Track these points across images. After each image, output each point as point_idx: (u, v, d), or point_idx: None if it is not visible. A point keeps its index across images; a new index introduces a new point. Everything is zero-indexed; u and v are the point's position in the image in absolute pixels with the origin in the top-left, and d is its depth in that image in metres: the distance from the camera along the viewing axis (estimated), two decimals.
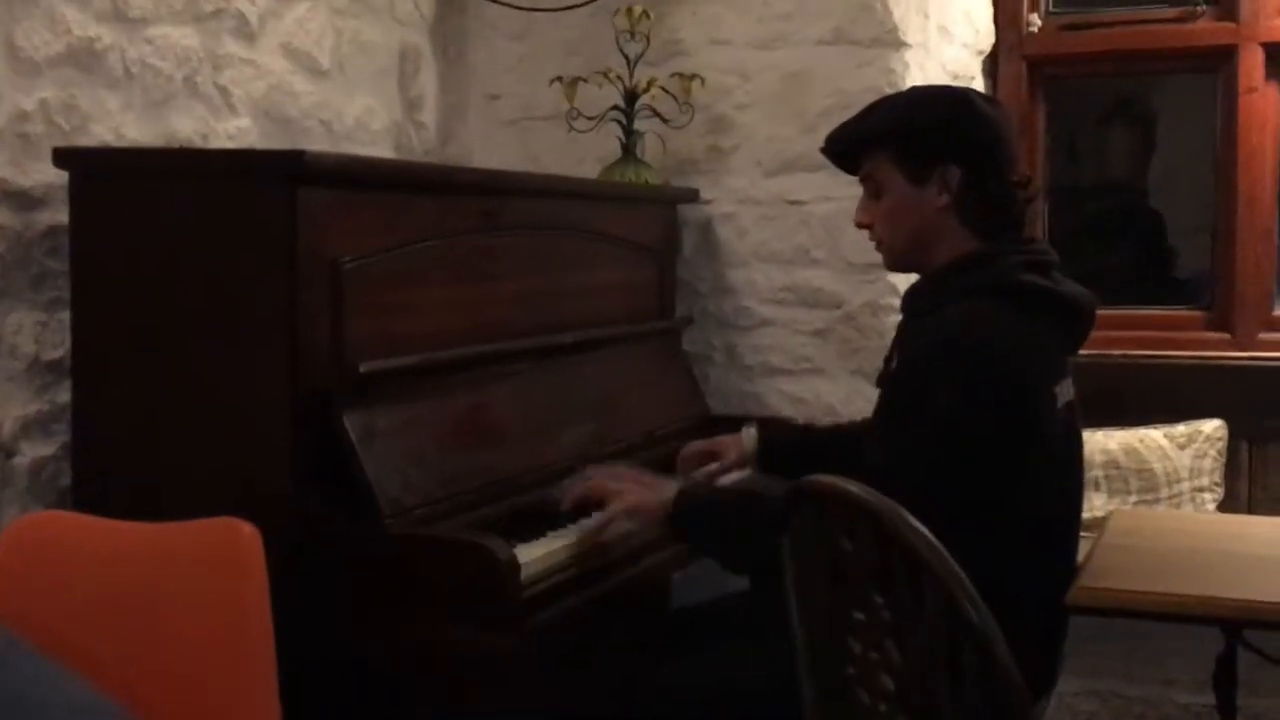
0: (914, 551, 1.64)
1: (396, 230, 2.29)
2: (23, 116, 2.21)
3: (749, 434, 2.65)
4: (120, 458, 2.20)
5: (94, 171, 2.22)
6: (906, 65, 3.23)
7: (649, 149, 3.34)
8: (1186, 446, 3.21)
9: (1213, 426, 3.23)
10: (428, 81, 3.40)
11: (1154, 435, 3.23)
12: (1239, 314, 3.37)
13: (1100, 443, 3.20)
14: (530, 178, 2.98)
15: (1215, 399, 3.28)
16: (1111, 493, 3.21)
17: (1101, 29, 3.55)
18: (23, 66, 2.22)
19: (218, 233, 2.13)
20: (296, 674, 1.85)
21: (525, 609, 2.08)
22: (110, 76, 2.39)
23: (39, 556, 1.92)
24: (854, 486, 1.72)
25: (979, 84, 3.57)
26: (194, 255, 2.14)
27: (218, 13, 2.65)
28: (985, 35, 3.57)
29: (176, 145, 2.52)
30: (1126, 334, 3.38)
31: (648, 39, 3.29)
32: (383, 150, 3.22)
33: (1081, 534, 2.26)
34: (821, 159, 3.20)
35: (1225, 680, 2.41)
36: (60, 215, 2.25)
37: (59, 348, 2.26)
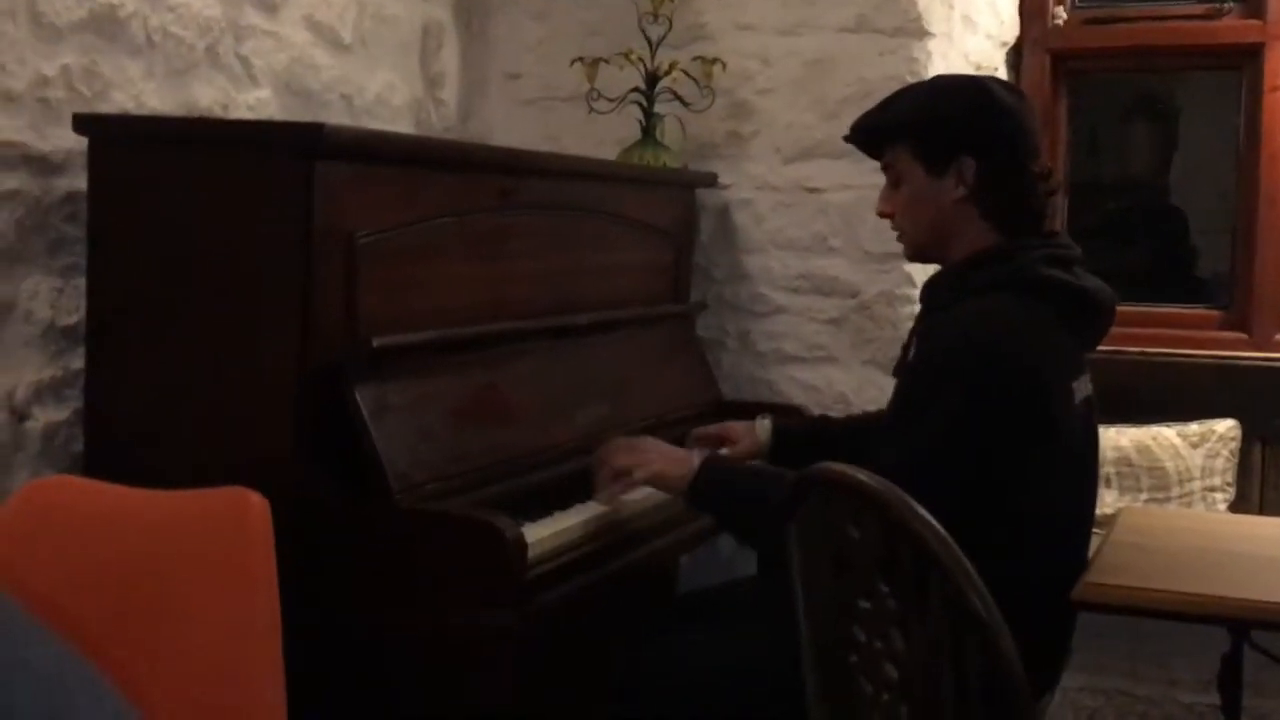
0: (921, 542, 1.64)
1: (413, 206, 2.29)
2: (43, 81, 2.21)
3: (763, 425, 2.64)
4: (132, 424, 2.21)
5: (113, 138, 2.22)
6: (929, 55, 3.21)
7: (669, 132, 3.34)
8: (1199, 445, 3.20)
9: (1226, 426, 3.21)
10: (449, 58, 3.40)
11: (1167, 433, 3.22)
12: (1257, 314, 3.35)
13: (1112, 439, 3.19)
14: (548, 157, 2.98)
15: (1230, 399, 3.26)
16: (1123, 490, 3.20)
17: (1126, 24, 3.53)
18: (45, 32, 2.21)
19: (234, 203, 2.13)
20: (300, 645, 1.85)
21: (531, 588, 2.08)
22: (132, 44, 2.38)
23: (48, 520, 1.92)
24: (862, 474, 1.71)
25: (1002, 76, 3.55)
26: (210, 225, 2.14)
27: None
28: (1009, 26, 3.55)
29: (197, 115, 2.52)
30: (1143, 331, 3.36)
31: (670, 21, 3.28)
32: (403, 126, 3.21)
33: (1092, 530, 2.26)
34: (841, 147, 3.19)
35: (1231, 680, 2.40)
36: (79, 181, 2.25)
37: (74, 314, 2.27)
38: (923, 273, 3.04)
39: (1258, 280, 3.35)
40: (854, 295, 3.30)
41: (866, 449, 2.18)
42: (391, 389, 2.18)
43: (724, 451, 2.62)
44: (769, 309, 3.38)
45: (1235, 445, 3.21)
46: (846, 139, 2.32)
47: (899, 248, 2.33)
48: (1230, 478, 3.20)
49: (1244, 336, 3.35)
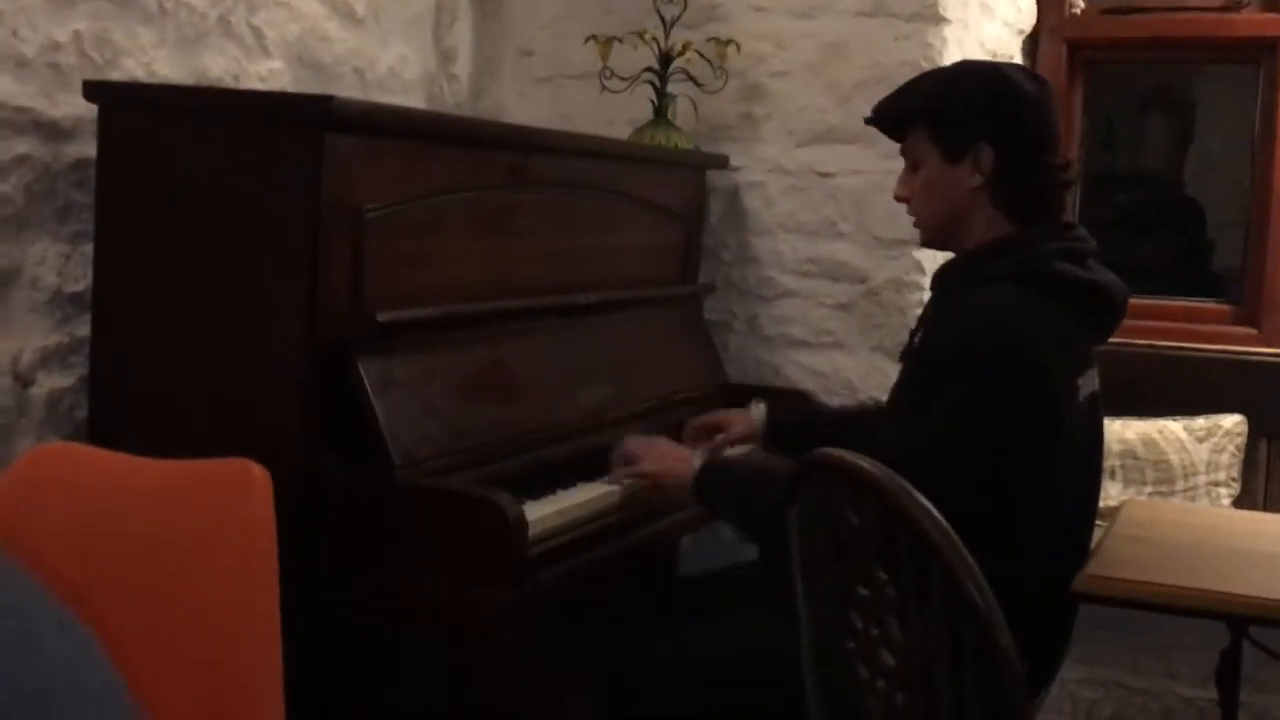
0: (920, 530, 1.64)
1: (422, 181, 2.28)
2: (55, 47, 2.21)
3: (757, 409, 2.65)
4: (136, 393, 2.21)
5: (123, 106, 2.21)
6: (945, 41, 3.20)
7: (681, 113, 3.33)
8: (1205, 440, 3.19)
9: (1233, 421, 3.20)
10: (462, 34, 3.39)
11: (1173, 427, 3.21)
12: (1267, 309, 3.33)
13: (1118, 432, 3.18)
14: (559, 135, 2.97)
15: (1237, 394, 3.25)
16: (1127, 483, 3.19)
17: (1144, 14, 3.50)
18: None
19: (243, 174, 2.12)
20: (300, 618, 1.85)
21: (532, 566, 2.08)
22: (144, 11, 2.38)
23: (50, 487, 1.92)
24: (863, 461, 1.71)
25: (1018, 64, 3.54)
26: (218, 195, 2.14)
27: None
28: (1027, 15, 3.53)
29: (208, 84, 2.52)
30: (1152, 324, 3.35)
31: (685, 1, 3.26)
32: (414, 101, 3.21)
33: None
34: (854, 131, 3.23)
35: (1229, 676, 2.40)
36: (88, 148, 2.24)
37: (81, 281, 2.27)
38: (932, 260, 3.04)
39: (1269, 276, 3.33)
40: (863, 281, 3.29)
41: (863, 438, 2.19)
42: (396, 364, 2.18)
43: (719, 438, 2.63)
44: (777, 293, 3.37)
45: (1241, 440, 3.20)
46: (868, 121, 2.30)
47: (909, 234, 2.33)
48: (1235, 473, 3.19)
49: (1253, 332, 3.34)
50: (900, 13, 3.21)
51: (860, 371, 3.28)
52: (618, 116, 3.38)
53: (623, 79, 3.29)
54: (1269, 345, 3.30)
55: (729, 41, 3.26)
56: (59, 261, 2.25)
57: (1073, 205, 3.53)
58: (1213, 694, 2.52)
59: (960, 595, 1.62)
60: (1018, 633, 1.73)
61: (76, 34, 2.25)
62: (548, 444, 2.46)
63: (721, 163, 3.35)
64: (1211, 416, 3.22)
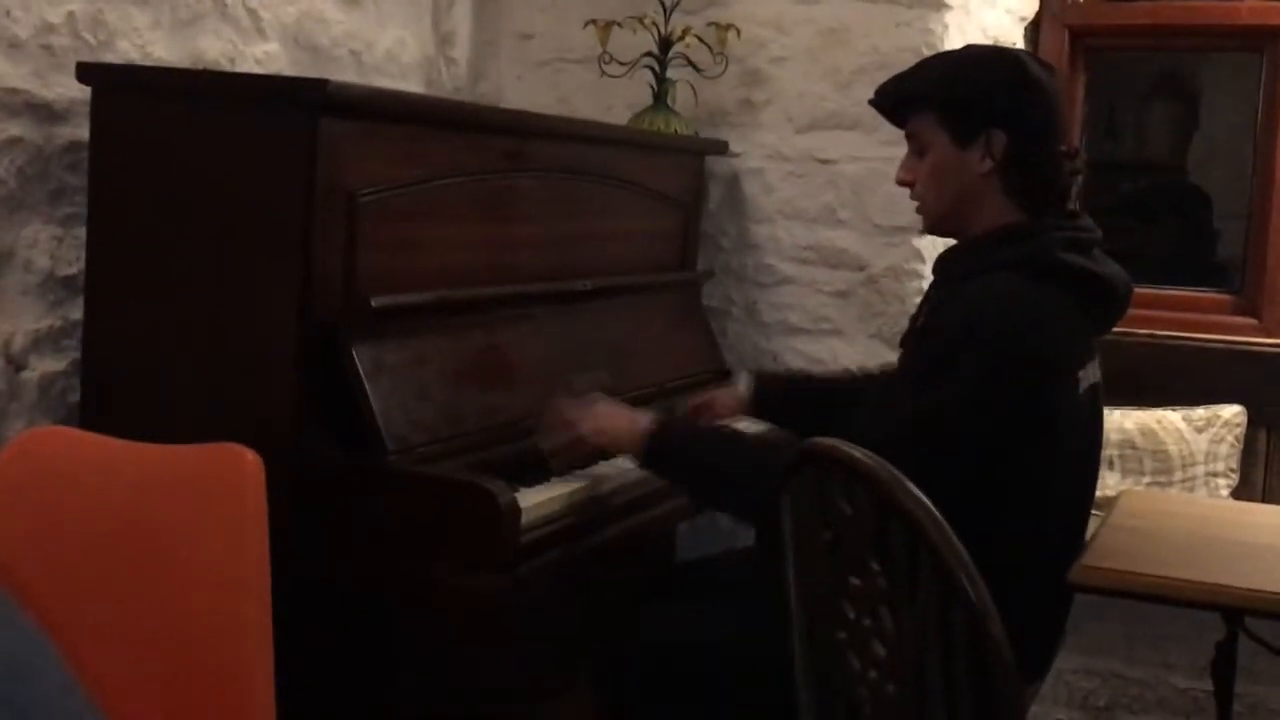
0: (913, 521, 1.63)
1: (417, 166, 2.27)
2: (48, 28, 2.20)
3: (744, 380, 2.63)
4: (129, 377, 2.20)
5: (116, 88, 2.20)
6: (946, 27, 3.18)
7: (680, 98, 3.31)
8: (1204, 430, 3.18)
9: (1232, 412, 3.19)
10: (461, 17, 3.37)
11: (1172, 417, 3.20)
12: (1268, 299, 3.32)
13: (1117, 422, 3.17)
14: (555, 120, 2.95)
15: (1237, 384, 3.23)
16: (1125, 472, 3.18)
17: (1147, 1, 3.49)
18: None
19: (236, 157, 2.11)
20: (291, 603, 1.85)
21: (524, 553, 2.07)
22: None
23: (41, 471, 1.91)
24: (856, 451, 1.70)
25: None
26: (212, 179, 2.13)
27: None
28: (1029, 1, 3.51)
29: (203, 67, 2.51)
30: (1152, 313, 3.33)
31: None
32: (412, 85, 3.19)
33: (1092, 512, 2.25)
34: (854, 118, 3.21)
35: (1224, 667, 2.39)
36: (82, 130, 2.23)
37: (73, 264, 2.26)
38: (932, 247, 3.03)
39: (1270, 265, 3.31)
40: (862, 268, 3.28)
41: (848, 408, 2.18)
42: (390, 349, 2.17)
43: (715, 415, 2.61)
44: (776, 279, 3.36)
45: (1240, 431, 3.19)
46: (871, 102, 2.28)
47: (908, 221, 2.31)
48: (1234, 463, 3.18)
49: (1254, 322, 3.32)
50: None
51: (859, 358, 3.27)
52: (617, 101, 3.37)
53: (622, 64, 3.27)
54: (1269, 335, 3.29)
55: (729, 26, 3.24)
56: (51, 245, 2.24)
57: (1079, 194, 3.51)
58: (1209, 685, 2.51)
59: (952, 586, 1.61)
60: (1013, 622, 1.72)
61: (70, 15, 2.24)
62: None
63: (721, 148, 3.34)
64: (1211, 407, 3.20)
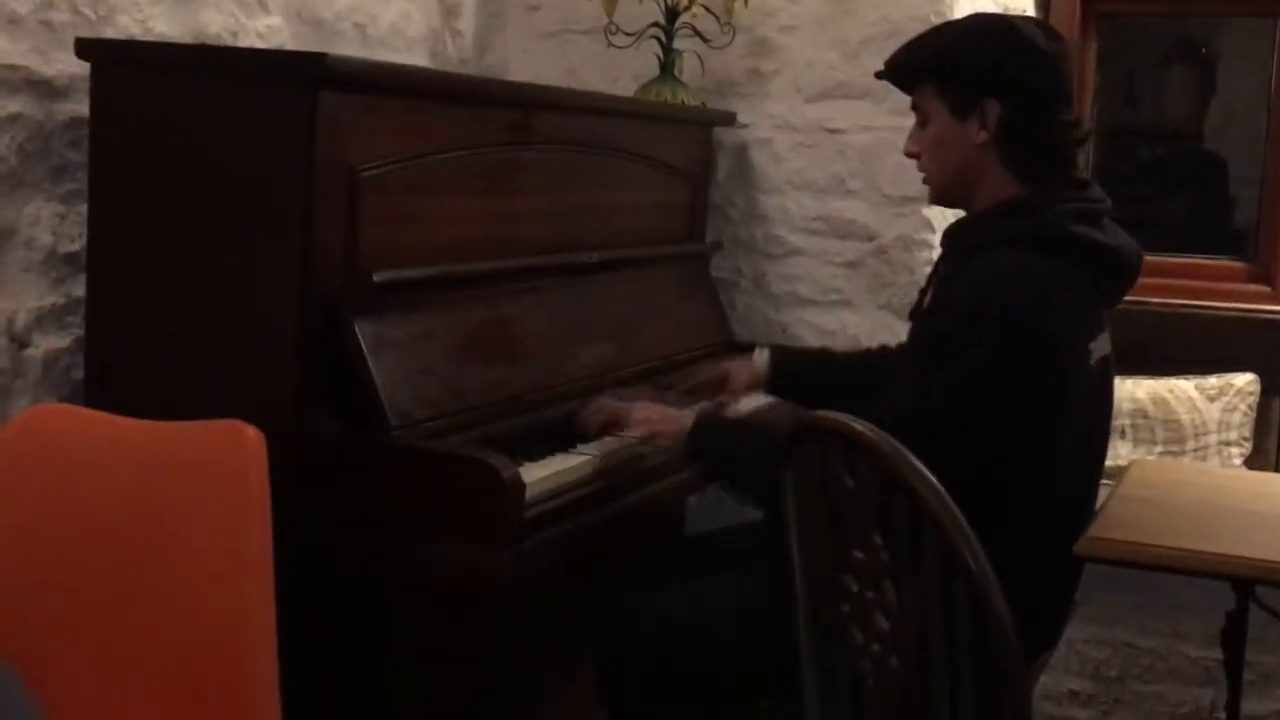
0: (915, 494, 1.62)
1: (420, 140, 2.26)
2: (47, 4, 2.18)
3: (760, 356, 2.63)
4: (132, 354, 2.20)
5: (115, 64, 2.19)
6: None
7: (687, 69, 3.29)
8: (1216, 399, 3.16)
9: (1245, 380, 3.17)
10: None
11: (1184, 386, 3.18)
12: None
13: (1129, 391, 3.15)
14: (559, 92, 2.93)
15: (1250, 352, 3.21)
16: (1137, 442, 3.16)
17: None
18: None
19: (237, 132, 2.10)
20: (295, 580, 1.85)
21: (529, 528, 2.07)
22: None
23: (45, 449, 1.92)
24: (859, 424, 1.69)
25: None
26: (212, 154, 2.12)
27: None
28: None
29: (206, 41, 2.49)
30: (1164, 282, 3.30)
31: None
32: (418, 57, 3.17)
33: (1102, 482, 2.24)
34: (863, 87, 3.19)
35: (1234, 636, 2.38)
36: (83, 107, 2.22)
37: (76, 240, 2.25)
38: (941, 218, 3.01)
39: None
40: (871, 239, 3.26)
41: (866, 384, 2.16)
42: (393, 324, 2.17)
43: (724, 396, 2.61)
44: (785, 251, 3.35)
45: (1253, 399, 3.17)
46: (879, 75, 2.27)
47: (918, 191, 2.30)
48: (1247, 432, 3.16)
49: (1267, 289, 3.29)
50: None
51: (868, 330, 3.26)
52: (624, 72, 3.35)
53: (628, 34, 3.25)
54: None
55: None
56: (54, 221, 2.23)
57: (1087, 162, 3.48)
58: (1220, 654, 2.51)
59: (954, 559, 1.61)
60: (1022, 593, 1.72)
61: None
62: (548, 404, 2.44)
63: (729, 119, 3.31)
64: (1223, 375, 3.18)
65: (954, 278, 2.14)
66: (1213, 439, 3.15)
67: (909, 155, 2.24)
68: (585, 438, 2.37)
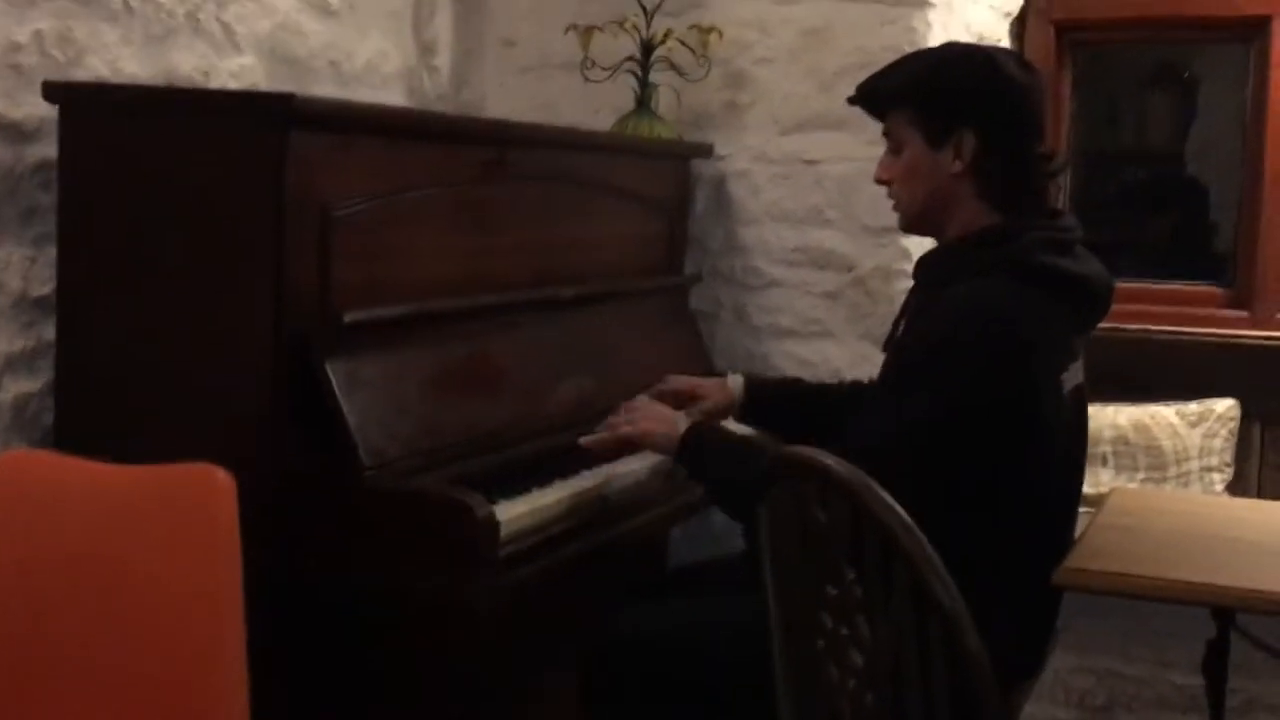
0: (884, 528, 1.61)
1: (392, 178, 2.25)
2: (15, 47, 2.18)
3: (735, 381, 2.62)
4: (103, 396, 2.19)
5: (83, 106, 2.18)
6: (930, 25, 3.16)
7: (664, 102, 3.29)
8: (1197, 425, 3.15)
9: (1225, 406, 3.17)
10: (443, 25, 3.35)
11: (1165, 412, 3.18)
12: (1260, 293, 3.29)
13: (1110, 418, 3.15)
14: (534, 128, 2.93)
15: (1230, 378, 3.22)
16: (1119, 469, 3.16)
17: None
18: None
19: (206, 173, 2.09)
20: (267, 619, 1.83)
21: (504, 566, 2.05)
22: (108, 9, 2.34)
23: (13, 495, 1.90)
24: (829, 459, 1.68)
25: (1005, 47, 3.49)
26: (182, 195, 2.11)
27: None
28: None
29: (177, 82, 2.49)
30: (1144, 308, 3.30)
31: None
32: (394, 94, 3.17)
33: (1082, 509, 2.23)
34: (839, 118, 3.19)
35: (1215, 665, 2.37)
36: (52, 149, 2.21)
37: (47, 284, 2.24)
38: (920, 247, 3.01)
39: (1261, 258, 3.29)
40: (850, 269, 3.26)
41: (839, 416, 2.16)
42: (366, 362, 2.16)
43: (698, 407, 2.59)
44: (764, 282, 3.34)
45: (1234, 425, 3.17)
46: (851, 100, 2.27)
47: (895, 221, 2.29)
48: (1228, 458, 3.16)
49: (1246, 315, 3.30)
50: None
51: (848, 360, 3.25)
52: (602, 106, 3.35)
53: (604, 69, 3.25)
54: (1261, 329, 3.26)
55: (711, 29, 3.22)
56: (24, 265, 2.22)
57: (1066, 187, 3.49)
58: None
59: (926, 594, 1.59)
60: (1002, 622, 1.71)
61: (38, 33, 2.21)
62: (524, 440, 2.43)
63: (706, 152, 3.32)
64: (1204, 401, 3.18)
65: (927, 308, 2.14)
66: (1194, 465, 3.14)
67: (879, 182, 2.24)
68: (564, 473, 2.35)
